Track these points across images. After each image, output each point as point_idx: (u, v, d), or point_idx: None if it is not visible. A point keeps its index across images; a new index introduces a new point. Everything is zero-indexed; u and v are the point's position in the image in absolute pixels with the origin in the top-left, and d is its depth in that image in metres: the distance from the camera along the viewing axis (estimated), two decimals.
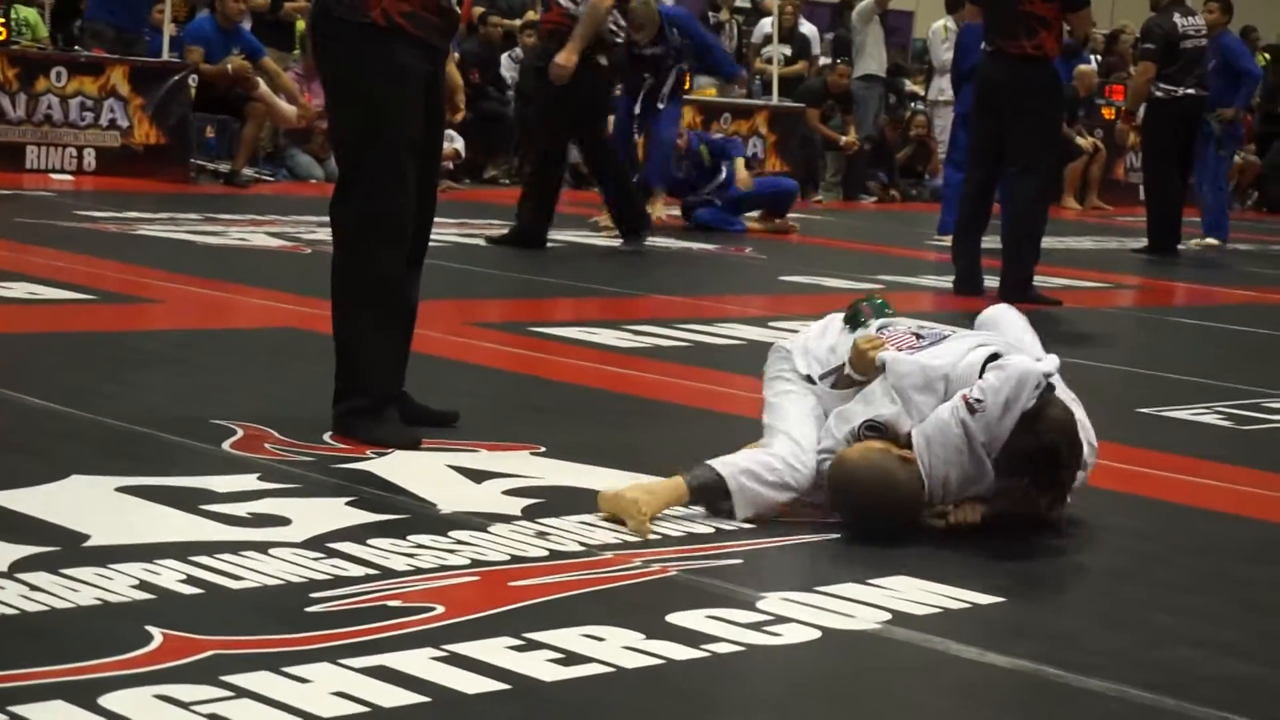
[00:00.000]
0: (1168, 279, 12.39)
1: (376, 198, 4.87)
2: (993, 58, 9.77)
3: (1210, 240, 14.84)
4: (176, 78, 13.62)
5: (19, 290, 7.34)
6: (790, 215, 13.74)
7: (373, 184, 4.87)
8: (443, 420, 5.11)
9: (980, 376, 4.19)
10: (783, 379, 4.56)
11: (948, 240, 12.99)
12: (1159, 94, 13.64)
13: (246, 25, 14.51)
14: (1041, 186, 9.87)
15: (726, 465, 4.31)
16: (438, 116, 5.08)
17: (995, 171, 9.85)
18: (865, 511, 4.20)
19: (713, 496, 4.30)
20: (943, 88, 17.76)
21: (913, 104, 19.48)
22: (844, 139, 17.36)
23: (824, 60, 19.32)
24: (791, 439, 4.38)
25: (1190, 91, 13.64)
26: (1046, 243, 13.74)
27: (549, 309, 8.16)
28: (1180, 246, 13.83)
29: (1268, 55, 22.60)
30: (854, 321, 4.58)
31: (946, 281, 10.33)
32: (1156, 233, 13.79)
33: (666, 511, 4.28)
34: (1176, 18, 13.73)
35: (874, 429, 4.25)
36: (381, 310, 4.93)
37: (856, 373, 4.42)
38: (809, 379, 4.51)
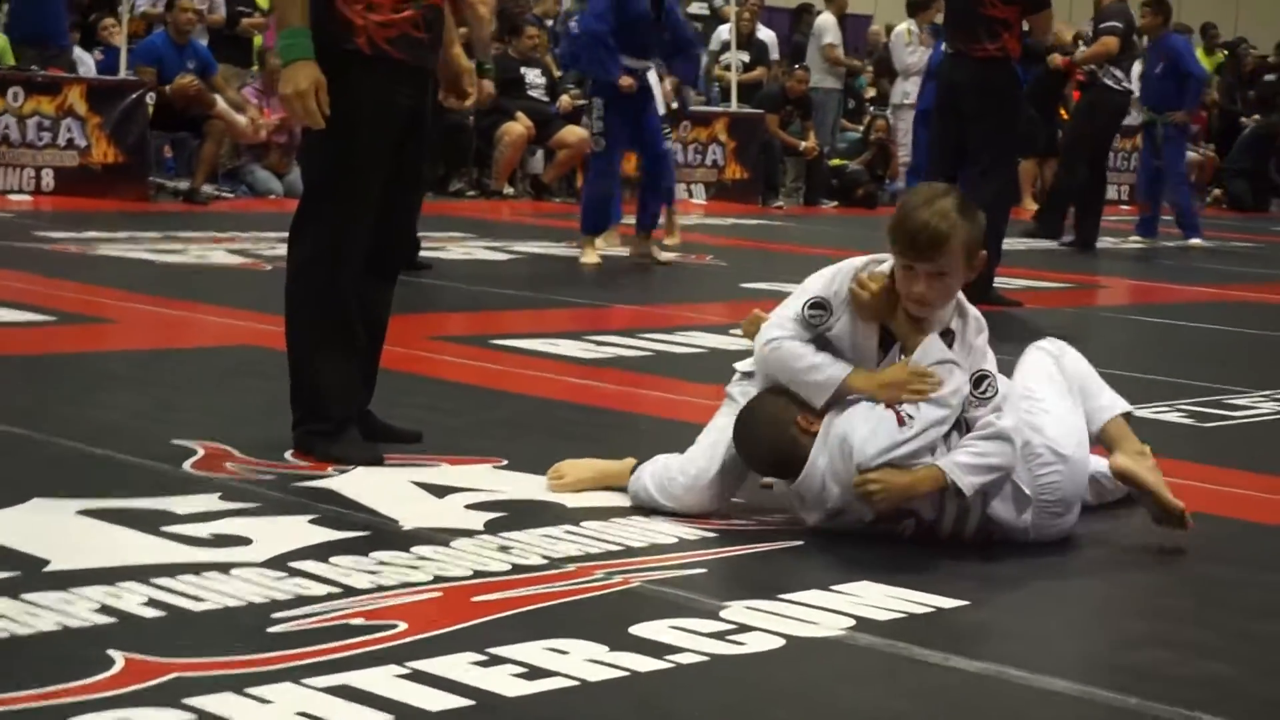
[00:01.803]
0: (1128, 277, 12.44)
1: (335, 231, 4.85)
2: (954, 59, 9.81)
3: (1195, 241, 14.88)
4: (134, 96, 13.57)
5: None
6: (749, 221, 13.75)
7: (333, 218, 4.84)
8: (405, 438, 5.09)
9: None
10: (729, 400, 4.54)
11: None
12: (1107, 81, 13.69)
13: (203, 41, 14.47)
14: (1002, 188, 9.90)
15: (647, 466, 4.53)
16: (425, 134, 5.00)
17: (955, 173, 9.87)
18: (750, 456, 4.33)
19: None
20: (907, 91, 17.82)
21: (871, 108, 19.52)
22: (803, 144, 17.39)
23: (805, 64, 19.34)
24: (692, 464, 4.44)
25: (1129, 87, 13.74)
26: (1005, 243, 13.79)
27: (510, 321, 8.15)
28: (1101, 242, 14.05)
29: (1225, 52, 22.70)
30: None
31: None
32: (1081, 227, 13.96)
33: (628, 524, 4.29)
34: (1134, 11, 13.84)
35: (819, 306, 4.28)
36: (334, 336, 4.89)
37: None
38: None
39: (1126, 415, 4.52)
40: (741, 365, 4.59)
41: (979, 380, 4.21)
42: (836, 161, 18.13)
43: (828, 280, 4.30)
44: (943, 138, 9.91)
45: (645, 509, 4.46)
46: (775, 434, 4.26)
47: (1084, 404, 4.49)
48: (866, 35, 22.77)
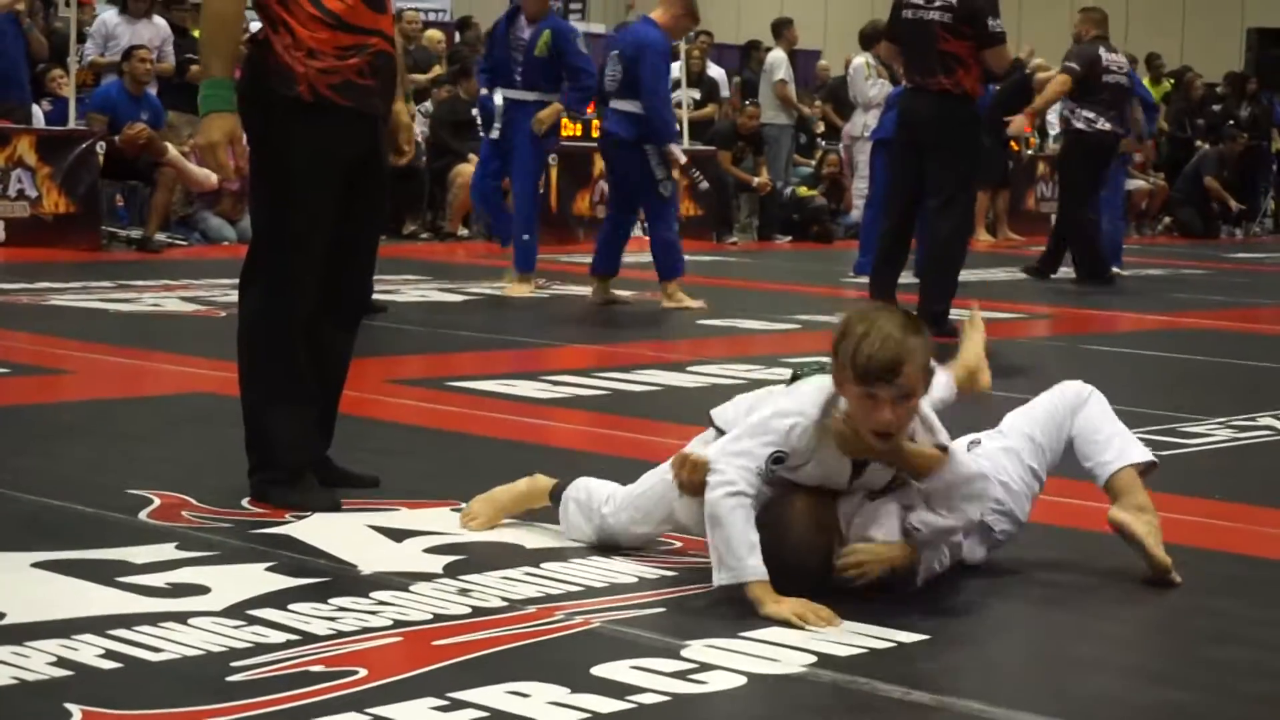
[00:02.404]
0: (1080, 307, 12.48)
1: (283, 281, 4.84)
2: (912, 94, 9.87)
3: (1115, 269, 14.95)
4: (84, 145, 13.53)
5: None
6: (704, 257, 13.76)
7: (280, 268, 4.83)
8: (364, 483, 5.08)
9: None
10: (700, 442, 4.39)
11: (864, 280, 13.10)
12: (1079, 125, 13.77)
13: (153, 90, 14.44)
14: (960, 221, 9.95)
15: (574, 486, 4.55)
16: (378, 180, 4.98)
17: (914, 207, 9.93)
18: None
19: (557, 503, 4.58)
20: (867, 124, 17.89)
21: (823, 143, 19.59)
22: (756, 180, 17.44)
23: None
24: (627, 496, 4.44)
25: (1108, 127, 13.76)
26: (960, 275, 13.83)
27: (466, 363, 8.14)
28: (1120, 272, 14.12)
29: (1172, 81, 22.88)
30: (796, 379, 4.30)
31: None
32: (1084, 265, 13.96)
33: (587, 564, 4.29)
34: (1102, 51, 13.87)
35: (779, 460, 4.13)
36: (286, 385, 4.88)
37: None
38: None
39: (1150, 465, 4.48)
40: (718, 417, 4.35)
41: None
42: (804, 191, 18.15)
43: (784, 430, 4.01)
44: (901, 171, 9.96)
45: (590, 545, 4.48)
46: (826, 541, 4.09)
47: (1090, 457, 4.45)
48: (816, 70, 22.85)
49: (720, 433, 4.28)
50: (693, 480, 4.10)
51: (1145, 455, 4.49)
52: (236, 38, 4.85)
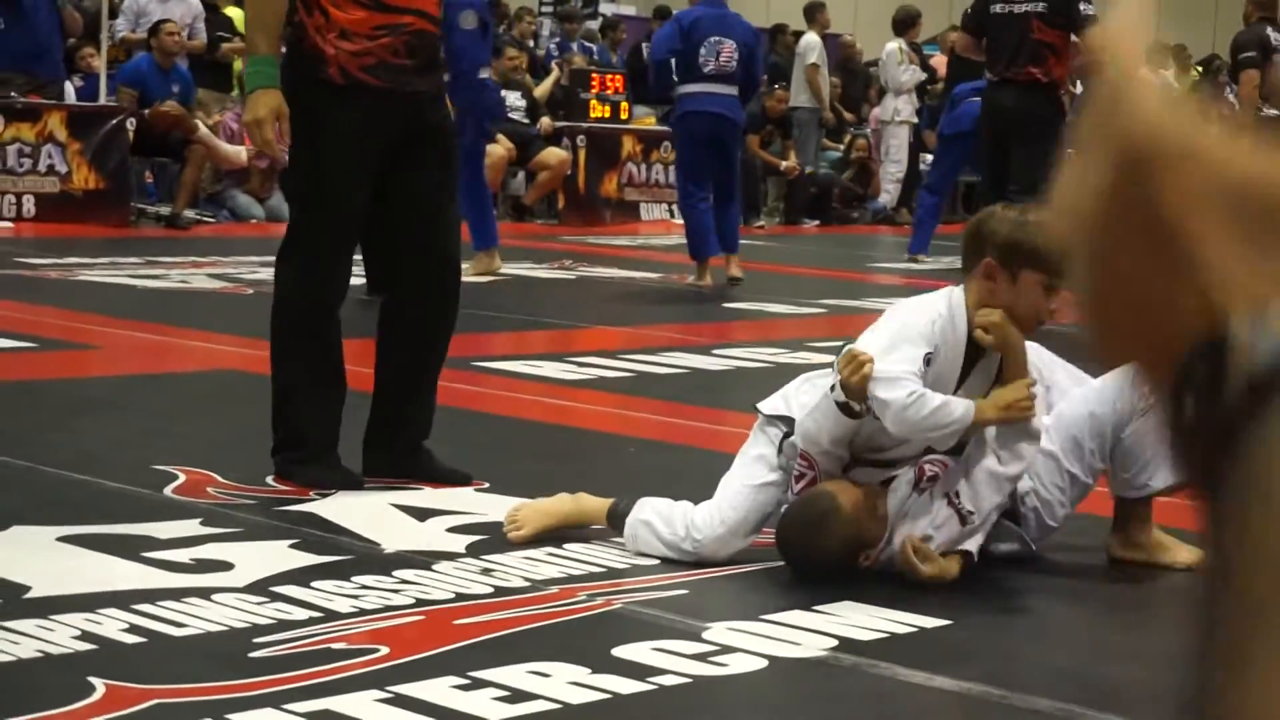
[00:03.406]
0: None
1: (311, 262, 4.83)
2: (998, 87, 9.96)
3: None
4: (114, 122, 13.55)
5: None
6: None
7: (309, 248, 4.82)
8: (454, 479, 4.92)
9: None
10: (757, 455, 4.32)
11: (922, 261, 13.08)
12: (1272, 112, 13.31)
13: (183, 64, 14.47)
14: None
15: (640, 507, 4.32)
16: (437, 159, 4.90)
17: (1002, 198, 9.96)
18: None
19: (619, 528, 4.35)
20: (898, 108, 17.84)
21: (852, 128, 19.54)
22: (784, 164, 17.41)
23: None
24: (718, 510, 4.26)
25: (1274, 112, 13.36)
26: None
27: (492, 343, 8.15)
28: None
29: (1200, 69, 22.78)
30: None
31: (890, 304, 10.36)
32: None
33: (609, 545, 4.30)
34: (1269, 31, 13.24)
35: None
36: (315, 365, 4.86)
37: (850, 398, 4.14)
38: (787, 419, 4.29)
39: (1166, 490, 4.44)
40: (765, 407, 4.35)
41: None
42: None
43: (928, 329, 4.11)
44: (991, 164, 10.04)
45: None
46: (854, 531, 4.09)
47: (1125, 469, 4.39)
48: (839, 46, 22.70)
49: (767, 418, 4.28)
50: (859, 384, 4.03)
51: (1176, 478, 4.42)
52: (281, 15, 4.78)
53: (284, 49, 4.93)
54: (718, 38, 11.01)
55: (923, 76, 18.17)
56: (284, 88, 4.80)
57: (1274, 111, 13.07)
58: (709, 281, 11.03)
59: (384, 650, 3.41)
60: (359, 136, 4.76)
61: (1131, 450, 4.37)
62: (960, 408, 4.05)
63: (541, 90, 16.73)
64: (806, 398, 4.25)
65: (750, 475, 4.27)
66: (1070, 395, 4.45)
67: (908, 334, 4.10)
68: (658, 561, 4.21)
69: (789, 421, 4.25)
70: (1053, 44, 9.73)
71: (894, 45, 17.84)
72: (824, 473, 4.12)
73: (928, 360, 4.08)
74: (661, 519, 4.28)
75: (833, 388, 4.06)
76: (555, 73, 17.49)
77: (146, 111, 13.66)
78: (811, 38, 18.42)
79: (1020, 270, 4.10)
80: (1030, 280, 4.10)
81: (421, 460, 4.97)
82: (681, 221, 16.63)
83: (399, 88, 4.79)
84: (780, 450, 4.25)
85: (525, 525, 4.37)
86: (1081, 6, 9.74)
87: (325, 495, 4.70)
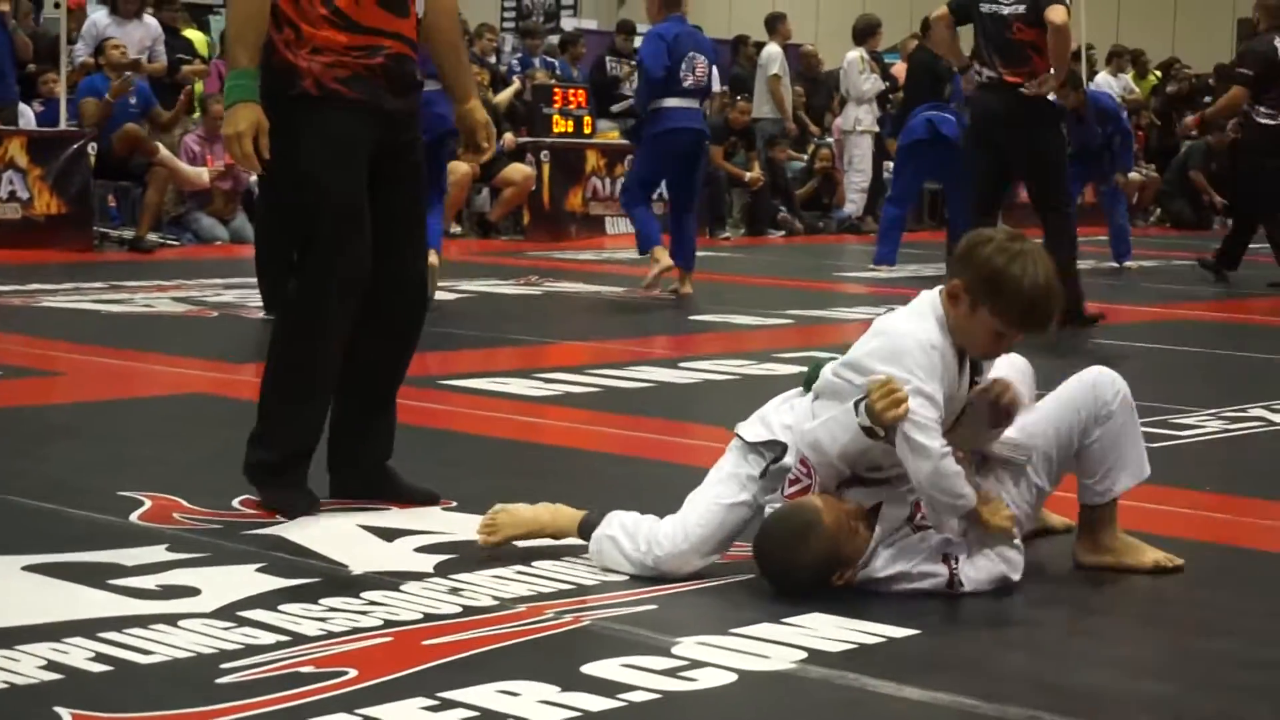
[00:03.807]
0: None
1: (325, 271, 4.71)
2: (988, 88, 9.86)
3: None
4: (75, 146, 13.52)
5: None
6: (696, 252, 13.75)
7: (320, 258, 4.71)
8: (422, 499, 4.92)
9: None
10: (730, 473, 4.28)
11: (883, 271, 13.11)
12: (1263, 120, 13.00)
13: (142, 80, 14.45)
14: (1069, 219, 10.05)
15: (608, 522, 4.31)
16: (408, 176, 4.87)
17: (997, 203, 10.01)
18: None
19: (588, 538, 4.36)
20: (859, 117, 17.89)
21: (815, 139, 19.58)
22: (748, 175, 17.44)
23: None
24: (683, 526, 4.22)
25: None
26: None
27: (458, 361, 8.13)
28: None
29: (1159, 74, 22.87)
30: (811, 383, 4.30)
31: (857, 314, 10.38)
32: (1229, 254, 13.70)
33: (577, 562, 4.29)
34: (1277, 41, 13.03)
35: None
36: (306, 382, 4.78)
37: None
38: (769, 444, 4.27)
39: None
40: (748, 433, 4.29)
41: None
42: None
43: (936, 366, 4.05)
44: (985, 169, 9.90)
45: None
46: (832, 548, 4.05)
47: (1087, 475, 4.40)
48: (800, 56, 22.75)
49: (751, 445, 4.25)
50: (892, 420, 3.99)
51: (1137, 479, 4.42)
52: (263, 30, 4.68)
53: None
54: (693, 53, 11.31)
55: (884, 85, 18.22)
56: (263, 105, 4.67)
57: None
58: (668, 262, 11.06)
59: (352, 673, 3.40)
60: (344, 137, 4.70)
61: (1095, 456, 4.37)
62: (970, 491, 4.08)
63: (501, 98, 16.74)
64: (788, 418, 4.23)
65: (721, 493, 4.25)
66: (1035, 409, 4.44)
67: (925, 376, 4.03)
68: (626, 578, 4.21)
69: (772, 447, 4.23)
70: (1035, 43, 9.67)
71: (855, 54, 17.89)
72: (821, 484, 4.11)
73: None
74: (626, 534, 4.27)
75: (856, 407, 4.03)
76: (516, 84, 17.50)
77: (116, 134, 13.61)
78: (773, 49, 18.47)
79: (980, 306, 4.05)
80: (986, 320, 4.05)
81: (389, 479, 4.95)
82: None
83: (374, 103, 4.73)
84: (763, 475, 4.22)
85: (498, 533, 4.37)
86: None
87: (285, 520, 4.67)
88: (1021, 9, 9.67)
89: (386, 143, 4.77)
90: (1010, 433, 4.33)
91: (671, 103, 11.21)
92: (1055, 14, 9.51)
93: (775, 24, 18.88)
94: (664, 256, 11.23)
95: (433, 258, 10.04)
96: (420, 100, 4.94)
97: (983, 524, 4.10)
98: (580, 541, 4.37)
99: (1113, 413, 4.37)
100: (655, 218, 11.55)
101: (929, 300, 4.17)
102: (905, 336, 4.09)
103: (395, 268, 4.83)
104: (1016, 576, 4.17)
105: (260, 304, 9.37)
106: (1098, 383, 4.40)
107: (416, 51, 4.85)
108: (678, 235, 11.42)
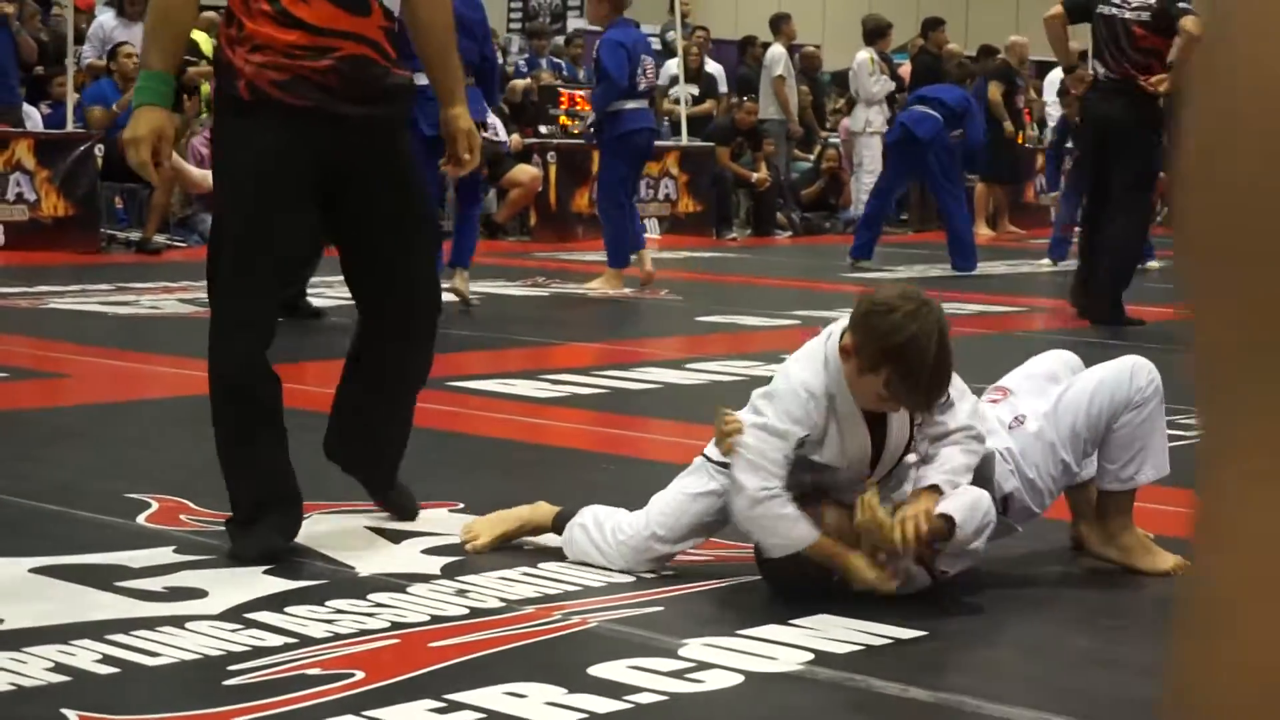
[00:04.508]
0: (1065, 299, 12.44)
1: (223, 295, 4.35)
2: (1101, 91, 10.13)
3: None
4: (82, 148, 13.53)
5: None
6: (703, 253, 13.76)
7: (221, 282, 4.33)
8: (405, 515, 4.72)
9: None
10: (699, 465, 4.33)
11: (865, 269, 13.24)
12: None
13: None
14: (1144, 217, 10.33)
15: (580, 514, 4.39)
16: (395, 192, 4.44)
17: (1109, 198, 10.24)
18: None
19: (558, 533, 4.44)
20: (869, 119, 17.85)
21: (822, 140, 19.57)
22: (755, 176, 17.43)
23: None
24: (648, 515, 4.27)
25: None
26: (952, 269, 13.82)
27: (465, 363, 8.14)
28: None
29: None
30: None
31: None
32: None
33: (586, 563, 4.29)
34: None
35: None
36: (240, 415, 4.39)
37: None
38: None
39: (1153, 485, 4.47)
40: (715, 454, 4.28)
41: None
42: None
43: (801, 411, 4.02)
44: (1097, 164, 10.18)
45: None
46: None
47: (1108, 460, 4.39)
48: (803, 56, 22.76)
49: (714, 464, 4.27)
50: (724, 449, 4.09)
51: (1159, 472, 4.42)
52: (181, 30, 4.38)
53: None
54: (645, 56, 11.86)
55: (893, 86, 18.19)
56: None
57: None
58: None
59: (359, 675, 3.40)
60: (273, 155, 4.23)
61: (1121, 442, 4.36)
62: (803, 531, 3.98)
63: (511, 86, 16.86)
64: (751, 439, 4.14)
65: (688, 483, 4.30)
66: (1072, 384, 4.42)
67: (781, 415, 4.02)
68: (633, 579, 4.21)
69: None
70: (1157, 49, 9.93)
71: (865, 55, 17.85)
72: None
73: (800, 444, 4.03)
74: (595, 523, 4.34)
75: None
76: (527, 81, 17.53)
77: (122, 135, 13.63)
78: (777, 50, 18.46)
79: (867, 372, 3.97)
80: (872, 382, 3.98)
81: (383, 486, 4.76)
82: (653, 235, 16.68)
83: (322, 109, 4.26)
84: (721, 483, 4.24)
85: (481, 535, 4.42)
86: (1180, 4, 9.93)
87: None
88: (1145, 15, 9.96)
89: (347, 153, 4.33)
90: (1044, 407, 4.32)
91: (630, 105, 11.68)
92: (1192, 24, 9.87)
93: (779, 25, 18.88)
94: (648, 258, 11.75)
95: (459, 280, 10.04)
96: (411, 102, 4.56)
97: (849, 578, 4.00)
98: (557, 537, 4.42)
99: (1145, 399, 4.38)
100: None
101: (822, 345, 4.12)
102: (787, 378, 4.09)
103: (399, 271, 4.52)
104: (912, 589, 4.07)
105: None
106: (1135, 368, 4.41)
107: (392, 52, 4.41)
108: (630, 225, 11.93)
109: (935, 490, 4.02)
